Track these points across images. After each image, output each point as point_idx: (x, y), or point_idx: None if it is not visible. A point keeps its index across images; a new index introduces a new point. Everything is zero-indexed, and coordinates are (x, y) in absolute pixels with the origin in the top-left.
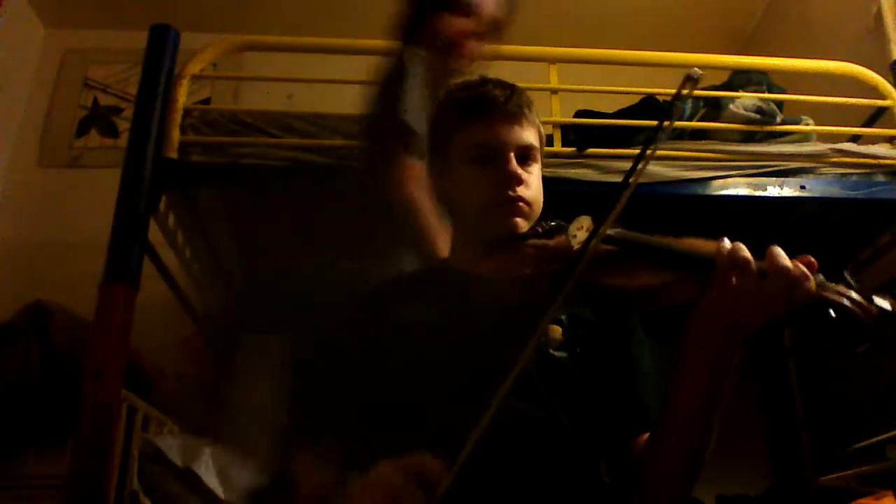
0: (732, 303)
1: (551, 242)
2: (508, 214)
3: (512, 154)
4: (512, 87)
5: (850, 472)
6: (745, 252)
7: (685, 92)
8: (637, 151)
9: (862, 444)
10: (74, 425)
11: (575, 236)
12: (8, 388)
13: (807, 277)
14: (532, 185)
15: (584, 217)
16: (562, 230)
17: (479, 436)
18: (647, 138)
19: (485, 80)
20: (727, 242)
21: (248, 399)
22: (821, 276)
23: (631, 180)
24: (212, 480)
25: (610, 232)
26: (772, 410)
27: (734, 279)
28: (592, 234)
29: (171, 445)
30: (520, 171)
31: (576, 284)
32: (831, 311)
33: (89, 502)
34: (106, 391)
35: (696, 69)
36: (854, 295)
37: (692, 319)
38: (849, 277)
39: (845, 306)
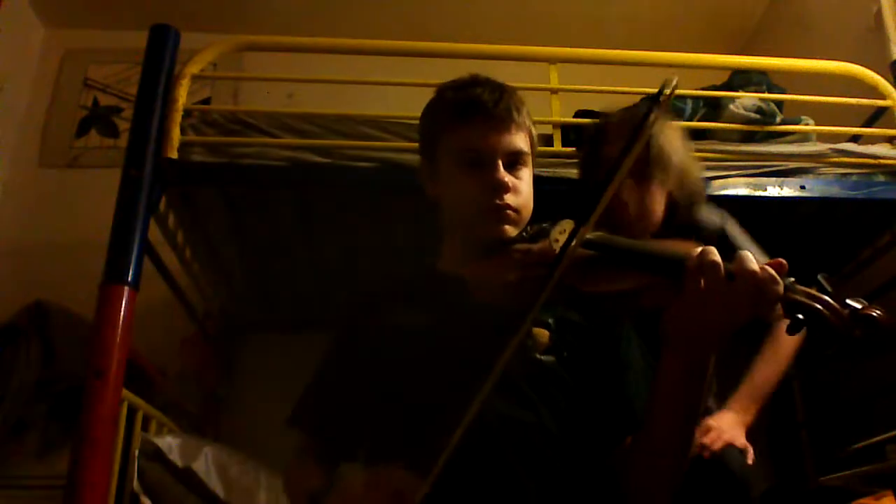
0: (702, 305)
1: (535, 247)
2: (496, 222)
3: (500, 161)
4: (502, 88)
5: (850, 472)
6: (714, 255)
7: (664, 95)
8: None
9: (862, 444)
10: (74, 425)
11: (557, 240)
12: (8, 388)
13: (775, 280)
14: (521, 191)
15: (566, 220)
16: (545, 233)
17: (456, 445)
18: (625, 147)
19: (475, 81)
20: (699, 248)
21: (247, 399)
22: (791, 279)
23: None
24: (212, 480)
25: (589, 236)
26: (772, 410)
27: (703, 282)
28: (570, 238)
29: (172, 445)
30: (507, 178)
31: (557, 288)
32: (799, 315)
33: (89, 502)
34: (106, 391)
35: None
36: (824, 297)
37: (666, 323)
38: (823, 281)
39: (813, 308)
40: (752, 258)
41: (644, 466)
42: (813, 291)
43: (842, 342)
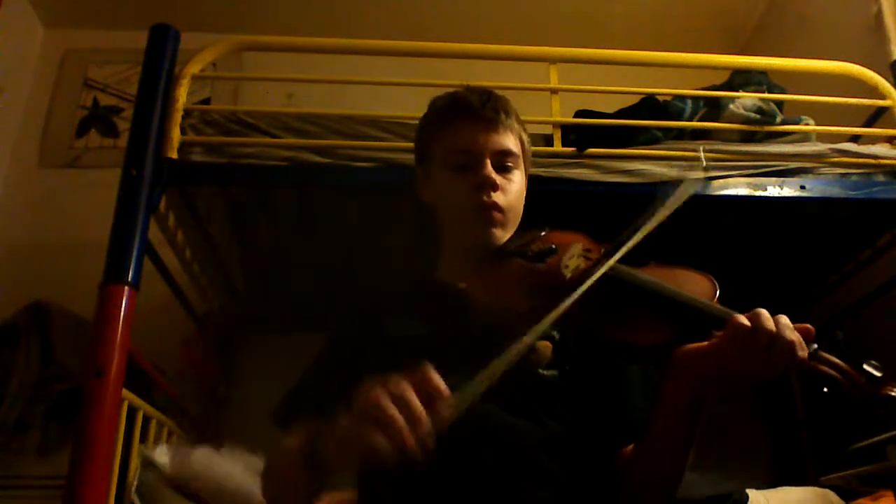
0: (737, 361)
1: (541, 267)
2: (483, 223)
3: (487, 160)
4: (490, 93)
5: (850, 472)
6: (770, 324)
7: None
8: (637, 152)
9: (862, 443)
10: (74, 425)
11: (567, 266)
12: (8, 388)
13: (802, 347)
14: (510, 191)
15: (575, 245)
16: (552, 254)
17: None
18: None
19: (466, 89)
20: (741, 318)
21: (248, 399)
22: (815, 346)
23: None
24: (203, 487)
25: (611, 267)
26: (772, 410)
27: (749, 342)
28: (594, 266)
29: (163, 454)
30: (495, 176)
31: (575, 328)
32: (824, 388)
33: (89, 502)
34: (106, 391)
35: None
36: (844, 367)
37: (689, 358)
38: (840, 342)
39: (837, 381)
40: (790, 324)
41: (642, 478)
42: (835, 360)
43: (858, 405)
